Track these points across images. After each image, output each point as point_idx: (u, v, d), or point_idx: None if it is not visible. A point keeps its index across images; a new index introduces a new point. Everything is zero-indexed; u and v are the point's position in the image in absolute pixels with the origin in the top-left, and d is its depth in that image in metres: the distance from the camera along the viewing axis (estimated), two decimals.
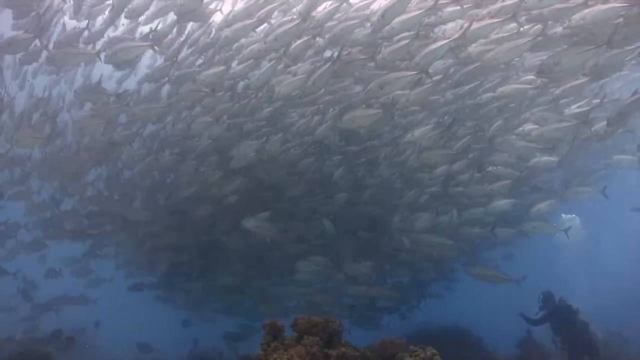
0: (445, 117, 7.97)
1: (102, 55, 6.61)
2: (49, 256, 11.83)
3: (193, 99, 7.62)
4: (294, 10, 6.86)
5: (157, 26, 7.21)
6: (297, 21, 6.32)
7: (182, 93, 7.52)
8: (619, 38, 5.58)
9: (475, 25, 5.81)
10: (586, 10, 5.51)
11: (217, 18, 7.26)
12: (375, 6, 6.75)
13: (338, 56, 6.43)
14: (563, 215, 13.82)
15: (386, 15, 6.00)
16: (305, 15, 6.34)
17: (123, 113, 8.25)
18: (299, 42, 6.68)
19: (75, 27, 7.53)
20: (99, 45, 7.45)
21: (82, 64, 9.28)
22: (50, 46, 7.05)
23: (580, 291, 15.16)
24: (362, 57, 6.59)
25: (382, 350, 4.58)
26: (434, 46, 5.91)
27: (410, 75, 6.11)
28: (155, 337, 13.28)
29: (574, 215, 14.54)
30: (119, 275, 12.11)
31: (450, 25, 6.56)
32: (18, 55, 7.24)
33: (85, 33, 7.41)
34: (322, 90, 7.31)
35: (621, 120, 6.68)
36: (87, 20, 7.47)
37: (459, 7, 6.08)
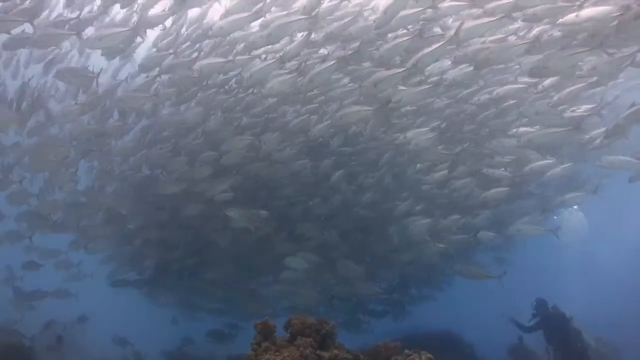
0: (444, 124, 7.90)
1: (85, 38, 6.42)
2: (34, 247, 11.46)
3: (184, 86, 7.47)
4: (294, 6, 6.74)
5: (141, 14, 6.98)
6: (299, 17, 6.17)
7: (174, 80, 7.41)
8: (613, 42, 5.55)
9: (468, 25, 5.73)
10: (580, 11, 5.46)
11: (215, 9, 7.09)
12: (372, 3, 6.70)
13: (342, 57, 6.40)
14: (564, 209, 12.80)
15: (388, 12, 5.90)
16: (310, 12, 6.20)
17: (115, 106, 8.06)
18: (297, 39, 6.57)
19: (64, 15, 7.35)
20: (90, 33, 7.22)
21: (77, 55, 9.19)
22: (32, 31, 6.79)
23: (577, 296, 14.46)
24: (351, 51, 6.54)
25: (376, 354, 4.48)
26: (429, 49, 5.85)
27: (402, 71, 6.06)
28: (144, 334, 12.96)
29: (575, 207, 13.57)
30: (103, 270, 11.77)
31: (449, 23, 6.51)
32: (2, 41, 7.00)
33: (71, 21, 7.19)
34: (316, 90, 7.23)
35: (619, 132, 6.68)
36: (79, 10, 7.26)
37: (457, 4, 6.00)
